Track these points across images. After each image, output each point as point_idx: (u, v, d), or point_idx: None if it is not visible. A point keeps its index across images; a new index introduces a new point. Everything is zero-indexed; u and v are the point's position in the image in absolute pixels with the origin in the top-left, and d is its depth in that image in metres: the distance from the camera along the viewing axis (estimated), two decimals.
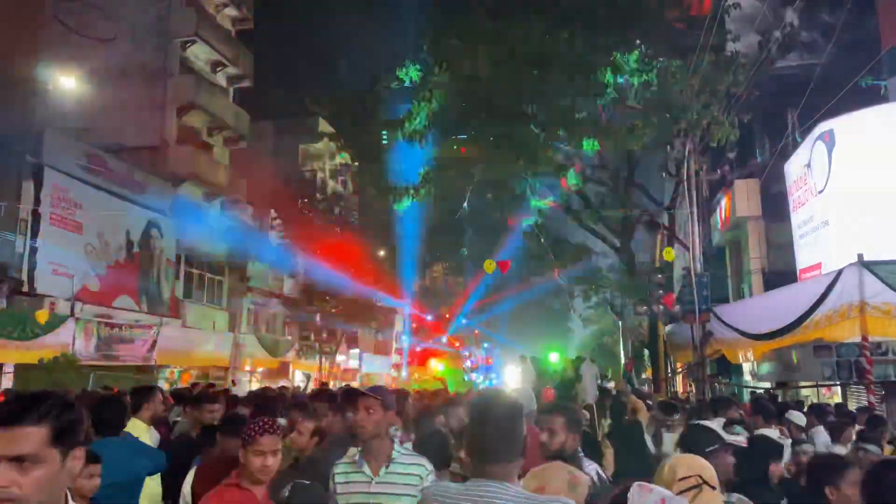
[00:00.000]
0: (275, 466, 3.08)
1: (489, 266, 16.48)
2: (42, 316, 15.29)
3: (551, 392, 10.80)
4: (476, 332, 46.17)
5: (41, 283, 17.13)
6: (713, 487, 2.65)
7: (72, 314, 16.74)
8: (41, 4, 24.14)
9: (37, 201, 17.44)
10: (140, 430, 4.73)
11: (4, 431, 1.63)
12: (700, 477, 2.65)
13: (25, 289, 16.74)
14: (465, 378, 41.86)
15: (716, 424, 4.88)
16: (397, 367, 40.31)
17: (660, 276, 16.35)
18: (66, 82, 17.78)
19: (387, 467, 3.25)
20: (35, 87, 19.53)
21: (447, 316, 43.94)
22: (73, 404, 1.77)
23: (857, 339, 7.51)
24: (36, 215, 17.37)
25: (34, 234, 17.29)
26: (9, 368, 14.56)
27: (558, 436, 3.50)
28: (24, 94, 19.19)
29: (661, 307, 15.34)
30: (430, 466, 3.38)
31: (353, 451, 3.40)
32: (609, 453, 6.56)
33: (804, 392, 12.57)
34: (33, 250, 17.18)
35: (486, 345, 48.84)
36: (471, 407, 2.24)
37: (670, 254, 14.25)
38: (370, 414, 3.26)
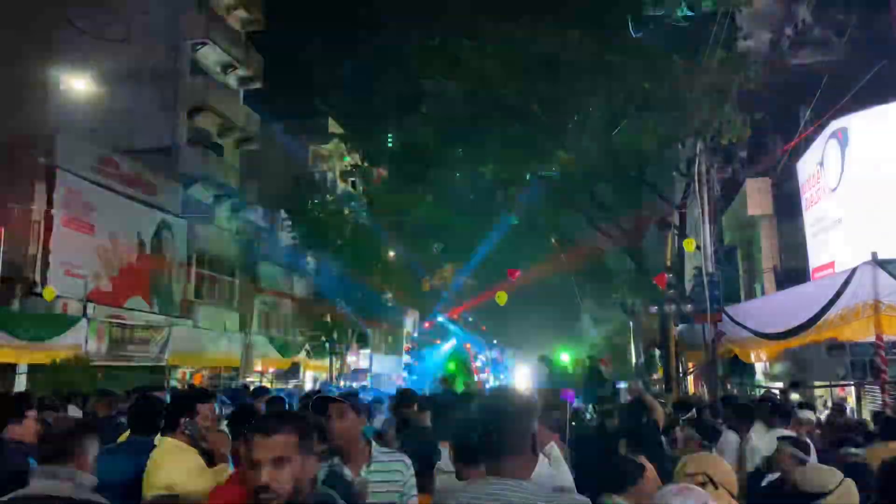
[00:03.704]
0: None
1: (501, 298, 16.68)
2: (49, 294, 15.46)
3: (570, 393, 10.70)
4: (483, 327, 46.16)
5: (54, 284, 17.23)
6: (716, 487, 2.64)
7: (84, 315, 16.84)
8: (52, 7, 24.30)
9: (49, 203, 17.56)
10: None
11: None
12: (706, 475, 2.65)
13: (38, 290, 16.86)
14: (475, 378, 41.82)
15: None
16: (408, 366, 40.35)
17: (671, 275, 16.26)
18: (78, 84, 17.89)
19: (367, 467, 3.28)
20: (47, 90, 19.66)
21: (456, 316, 43.92)
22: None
23: (872, 338, 7.43)
24: (48, 217, 17.49)
25: (47, 236, 17.41)
26: (22, 369, 14.65)
27: (292, 464, 2.19)
28: (35, 96, 19.33)
29: (673, 307, 15.26)
30: (409, 462, 3.45)
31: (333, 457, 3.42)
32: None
33: (818, 392, 12.47)
34: (46, 252, 17.30)
35: (494, 341, 48.86)
36: (483, 403, 2.23)
37: (690, 244, 14.09)
38: (343, 419, 3.29)
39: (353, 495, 3.10)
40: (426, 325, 43.67)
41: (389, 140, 18.60)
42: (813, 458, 5.70)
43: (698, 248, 13.98)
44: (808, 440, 6.08)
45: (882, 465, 3.15)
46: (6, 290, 16.14)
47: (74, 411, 7.73)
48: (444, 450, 4.00)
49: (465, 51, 13.94)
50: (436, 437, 4.44)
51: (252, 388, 12.39)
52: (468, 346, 46.30)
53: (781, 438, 4.78)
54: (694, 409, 7.95)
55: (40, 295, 16.63)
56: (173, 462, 3.56)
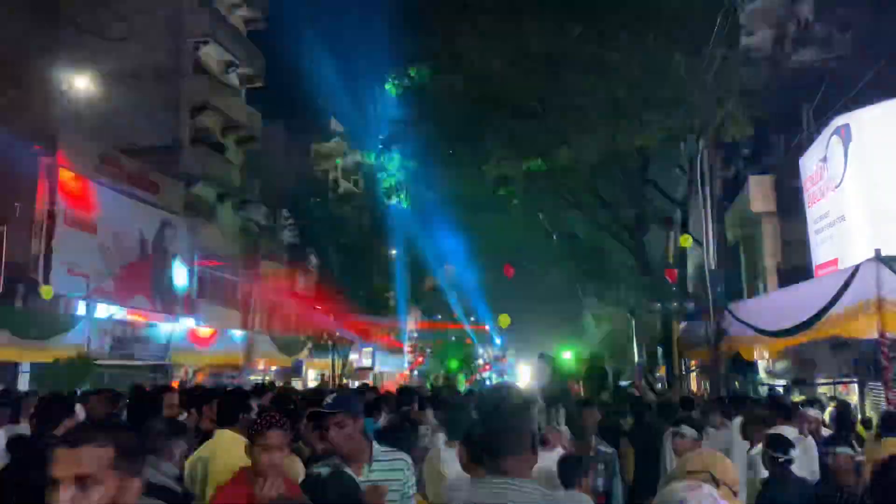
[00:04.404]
0: (282, 462, 3.08)
1: (504, 321, 16.95)
2: (47, 292, 15.47)
3: (576, 387, 10.71)
4: (485, 326, 46.16)
5: (56, 283, 17.26)
6: (717, 485, 2.62)
7: (87, 314, 16.86)
8: (55, 5, 24.31)
9: (52, 202, 17.58)
10: None
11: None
12: (709, 473, 2.64)
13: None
14: (478, 376, 41.84)
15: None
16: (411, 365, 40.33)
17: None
18: (80, 83, 17.90)
19: (369, 466, 3.30)
20: (49, 89, 19.67)
21: (455, 315, 43.89)
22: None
23: (875, 335, 7.40)
24: (51, 216, 17.51)
25: (49, 235, 17.43)
26: (25, 368, 14.68)
27: (102, 485, 1.74)
28: (38, 95, 19.34)
29: (675, 305, 15.25)
30: (410, 461, 3.48)
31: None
32: (630, 452, 6.52)
33: (821, 389, 12.45)
34: (48, 251, 17.32)
35: (498, 340, 48.81)
36: (482, 401, 2.22)
37: (687, 240, 14.08)
38: (342, 428, 3.32)
39: (359, 495, 3.10)
40: (424, 324, 43.64)
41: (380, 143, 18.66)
42: (814, 456, 5.69)
43: (699, 243, 13.95)
44: (812, 438, 6.08)
45: (875, 466, 3.14)
46: (9, 289, 16.17)
47: (82, 411, 7.71)
48: (452, 450, 3.99)
49: (465, 47, 13.94)
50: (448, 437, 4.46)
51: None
52: (469, 340, 46.26)
53: (772, 436, 4.75)
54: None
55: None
56: (239, 451, 3.64)
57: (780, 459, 4.31)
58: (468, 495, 2.12)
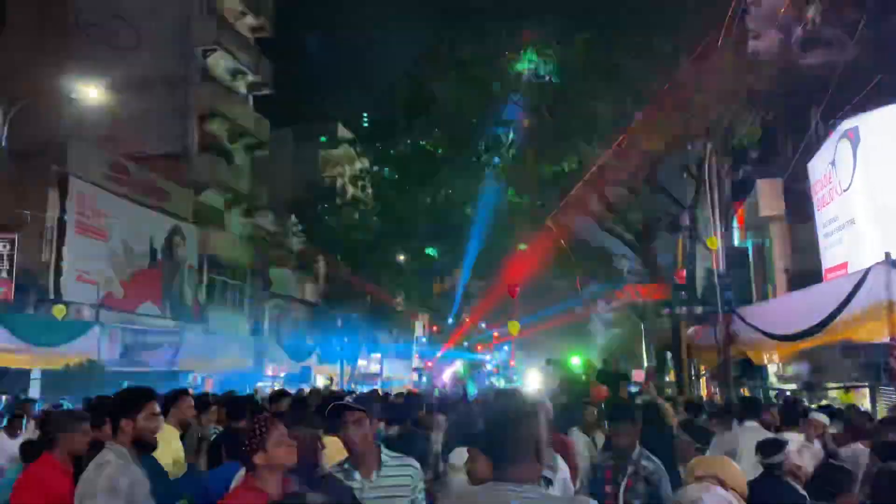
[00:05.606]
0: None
1: (513, 328, 17.04)
2: (59, 311, 15.54)
3: (604, 390, 10.56)
4: (495, 334, 46.05)
5: (67, 290, 17.36)
6: (726, 488, 2.62)
7: (97, 321, 16.94)
8: (64, 15, 24.49)
9: (62, 210, 17.70)
10: (171, 435, 4.70)
11: None
12: (716, 477, 2.64)
13: (52, 296, 16.96)
14: (486, 381, 41.70)
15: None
16: (418, 371, 40.29)
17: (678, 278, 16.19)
18: (89, 92, 18.03)
19: (378, 472, 3.27)
20: (59, 97, 19.83)
21: (468, 320, 43.85)
22: None
23: (886, 339, 7.36)
24: (61, 224, 17.62)
25: (59, 243, 17.54)
26: (35, 375, 14.73)
27: None
28: (47, 103, 19.49)
29: (684, 309, 15.19)
30: (418, 466, 3.45)
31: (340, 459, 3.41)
32: None
33: (831, 394, 12.37)
34: (59, 258, 17.43)
35: (506, 347, 48.66)
36: (487, 406, 2.20)
37: (714, 242, 13.96)
38: (359, 427, 3.29)
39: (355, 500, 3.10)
40: (434, 328, 43.63)
41: (390, 150, 18.76)
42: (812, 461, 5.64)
43: (707, 247, 13.90)
44: (818, 443, 6.04)
45: (877, 472, 3.11)
46: (20, 297, 16.26)
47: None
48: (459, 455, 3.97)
49: (470, 55, 14.00)
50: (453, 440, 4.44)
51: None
52: (479, 348, 46.21)
53: (762, 441, 4.69)
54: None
55: (53, 301, 16.76)
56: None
57: (765, 462, 4.24)
58: (471, 500, 2.11)
